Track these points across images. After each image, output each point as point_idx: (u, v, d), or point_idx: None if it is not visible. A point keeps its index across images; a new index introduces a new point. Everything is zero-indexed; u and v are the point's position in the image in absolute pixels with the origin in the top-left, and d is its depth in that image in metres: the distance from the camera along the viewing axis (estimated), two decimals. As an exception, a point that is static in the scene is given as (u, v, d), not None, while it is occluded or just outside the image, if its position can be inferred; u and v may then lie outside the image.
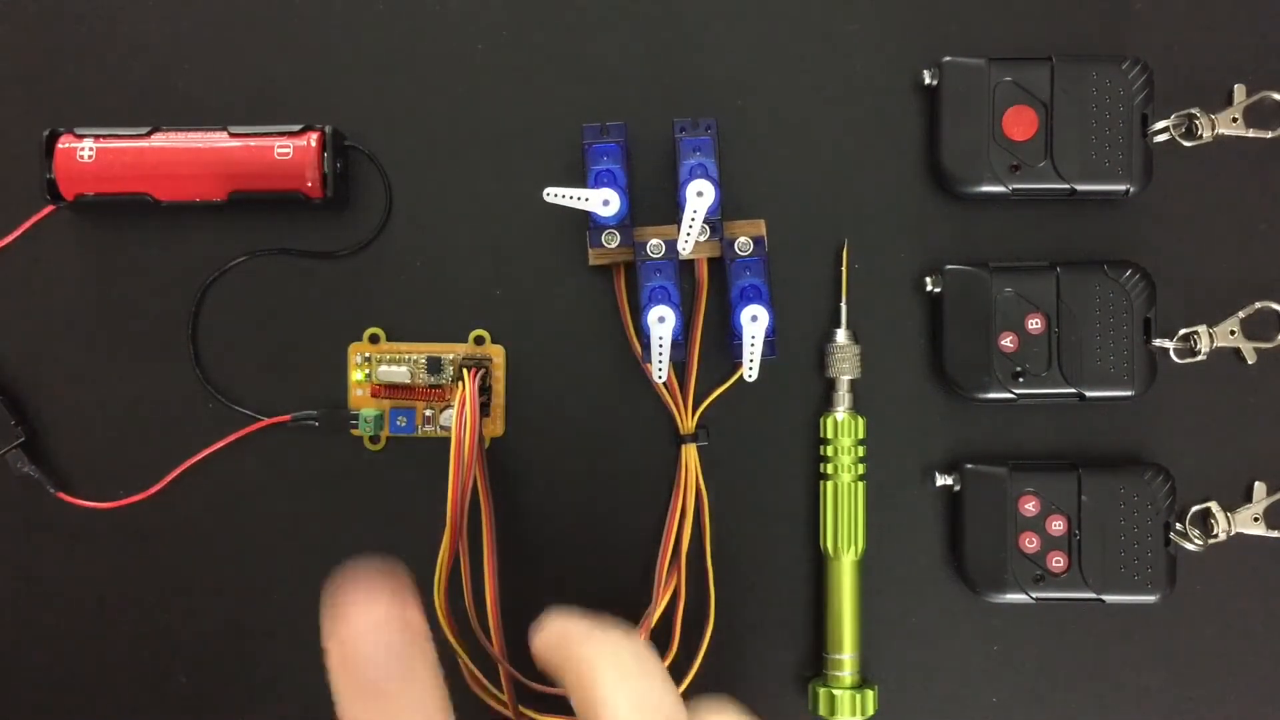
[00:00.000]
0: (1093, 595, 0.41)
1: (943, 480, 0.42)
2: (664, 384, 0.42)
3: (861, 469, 0.42)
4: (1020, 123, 0.41)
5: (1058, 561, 0.41)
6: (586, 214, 0.40)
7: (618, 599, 0.43)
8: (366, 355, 0.43)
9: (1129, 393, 0.41)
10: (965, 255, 0.42)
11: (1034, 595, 0.41)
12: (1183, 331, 0.42)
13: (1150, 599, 0.41)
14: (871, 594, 0.42)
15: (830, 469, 0.42)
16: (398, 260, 0.43)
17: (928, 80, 0.42)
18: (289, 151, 0.41)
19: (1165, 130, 0.42)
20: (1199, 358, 0.42)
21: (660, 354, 0.39)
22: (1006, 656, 0.43)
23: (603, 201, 0.39)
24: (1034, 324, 0.41)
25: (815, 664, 0.43)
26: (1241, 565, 0.43)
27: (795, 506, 0.43)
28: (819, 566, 0.42)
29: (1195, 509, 0.42)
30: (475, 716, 0.42)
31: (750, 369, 0.40)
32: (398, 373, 0.42)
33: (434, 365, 0.42)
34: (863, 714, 0.41)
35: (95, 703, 0.43)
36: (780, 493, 0.43)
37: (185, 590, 0.43)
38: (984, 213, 0.43)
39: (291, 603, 0.43)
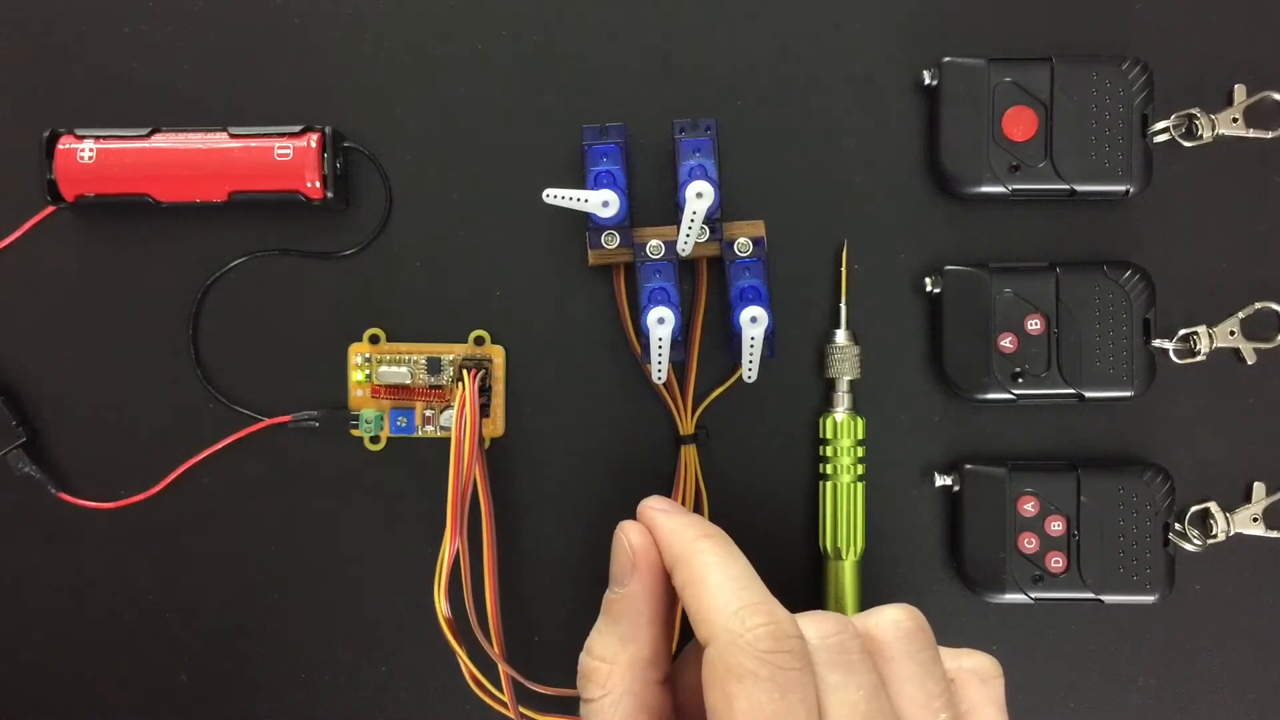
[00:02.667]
0: (1091, 596, 0.41)
1: (942, 480, 0.42)
2: (664, 384, 0.42)
3: (861, 469, 0.42)
4: (1020, 123, 0.41)
5: (1056, 562, 0.41)
6: (586, 214, 0.40)
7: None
8: (367, 356, 0.43)
9: (1128, 393, 0.41)
10: (965, 256, 0.42)
11: (1033, 595, 0.41)
12: (1182, 332, 0.42)
13: (1149, 599, 0.41)
14: (871, 594, 0.42)
15: (830, 469, 0.42)
16: (398, 260, 0.43)
17: (928, 80, 0.42)
18: (289, 152, 0.41)
19: (1165, 130, 0.42)
20: (1198, 358, 0.42)
21: (660, 355, 0.39)
22: (1005, 656, 0.42)
23: (602, 202, 0.39)
24: (1033, 324, 0.41)
25: (815, 664, 0.43)
26: (1241, 565, 0.43)
27: (795, 507, 0.43)
28: (819, 566, 0.43)
29: (1194, 509, 0.42)
30: (475, 716, 0.43)
31: (750, 370, 0.40)
32: (398, 373, 0.42)
33: (434, 366, 0.42)
34: (862, 714, 0.41)
35: (96, 702, 0.43)
36: (780, 493, 0.43)
37: (185, 590, 0.43)
38: (984, 213, 0.43)
39: (291, 603, 0.43)
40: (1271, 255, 0.43)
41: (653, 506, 0.34)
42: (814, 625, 0.30)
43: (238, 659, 0.43)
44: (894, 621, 0.31)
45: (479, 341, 0.43)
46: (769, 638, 0.28)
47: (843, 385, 0.42)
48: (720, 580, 0.30)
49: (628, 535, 0.33)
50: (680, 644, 0.35)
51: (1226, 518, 0.42)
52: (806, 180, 0.43)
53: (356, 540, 0.43)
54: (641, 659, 0.32)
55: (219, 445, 0.43)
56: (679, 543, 0.32)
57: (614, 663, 0.32)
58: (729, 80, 0.43)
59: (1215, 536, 0.42)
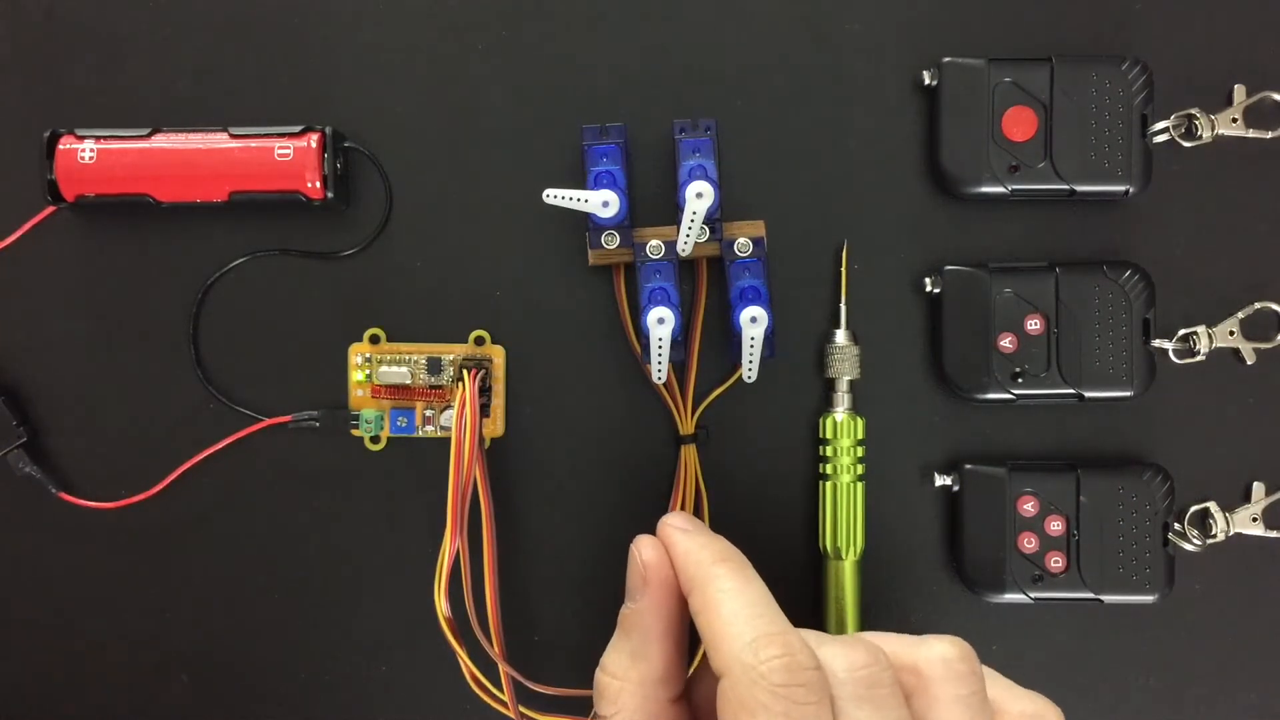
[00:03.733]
0: (1091, 595, 0.41)
1: (942, 480, 0.42)
2: (663, 384, 0.42)
3: (861, 469, 0.42)
4: (1020, 123, 0.41)
5: (1056, 562, 0.41)
6: (586, 214, 0.40)
7: (618, 599, 0.43)
8: (367, 356, 0.43)
9: (1128, 393, 0.41)
10: (965, 256, 0.42)
11: (1032, 595, 0.41)
12: (1182, 332, 0.42)
13: (1148, 599, 0.41)
14: (871, 594, 0.42)
15: (830, 469, 0.42)
16: (398, 260, 0.43)
17: (928, 80, 0.42)
18: (289, 152, 0.41)
19: (1165, 130, 0.42)
20: (1198, 358, 0.42)
21: (660, 355, 0.39)
22: (1005, 656, 0.43)
23: (602, 203, 0.39)
24: (1033, 324, 0.41)
25: (814, 663, 0.43)
26: (1240, 565, 0.43)
27: (795, 506, 0.43)
28: (819, 566, 0.43)
29: (1194, 509, 0.42)
30: (475, 716, 0.43)
31: (749, 370, 0.40)
32: (398, 373, 0.42)
33: (434, 366, 0.42)
34: (862, 713, 0.41)
35: (96, 702, 0.44)
36: (780, 493, 0.43)
37: (186, 590, 0.43)
38: (983, 213, 0.43)
39: (291, 603, 0.43)
40: (1271, 255, 0.43)
41: (671, 524, 0.33)
42: (843, 656, 0.29)
43: (238, 659, 0.43)
44: (944, 660, 0.30)
45: (479, 341, 0.43)
46: (783, 670, 0.27)
47: (843, 385, 0.42)
48: (735, 609, 0.29)
49: (640, 551, 0.33)
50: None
51: (1226, 518, 0.42)
52: (806, 180, 0.43)
53: (356, 540, 0.43)
54: (653, 677, 0.32)
55: (219, 445, 0.43)
56: (694, 565, 0.31)
57: (625, 679, 0.32)
58: (729, 80, 0.43)
59: (1215, 536, 0.42)
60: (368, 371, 0.43)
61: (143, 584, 0.43)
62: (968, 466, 0.42)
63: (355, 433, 0.43)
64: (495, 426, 0.43)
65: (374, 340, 0.43)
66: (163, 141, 0.41)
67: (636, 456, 0.43)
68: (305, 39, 0.43)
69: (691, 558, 0.32)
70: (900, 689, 0.29)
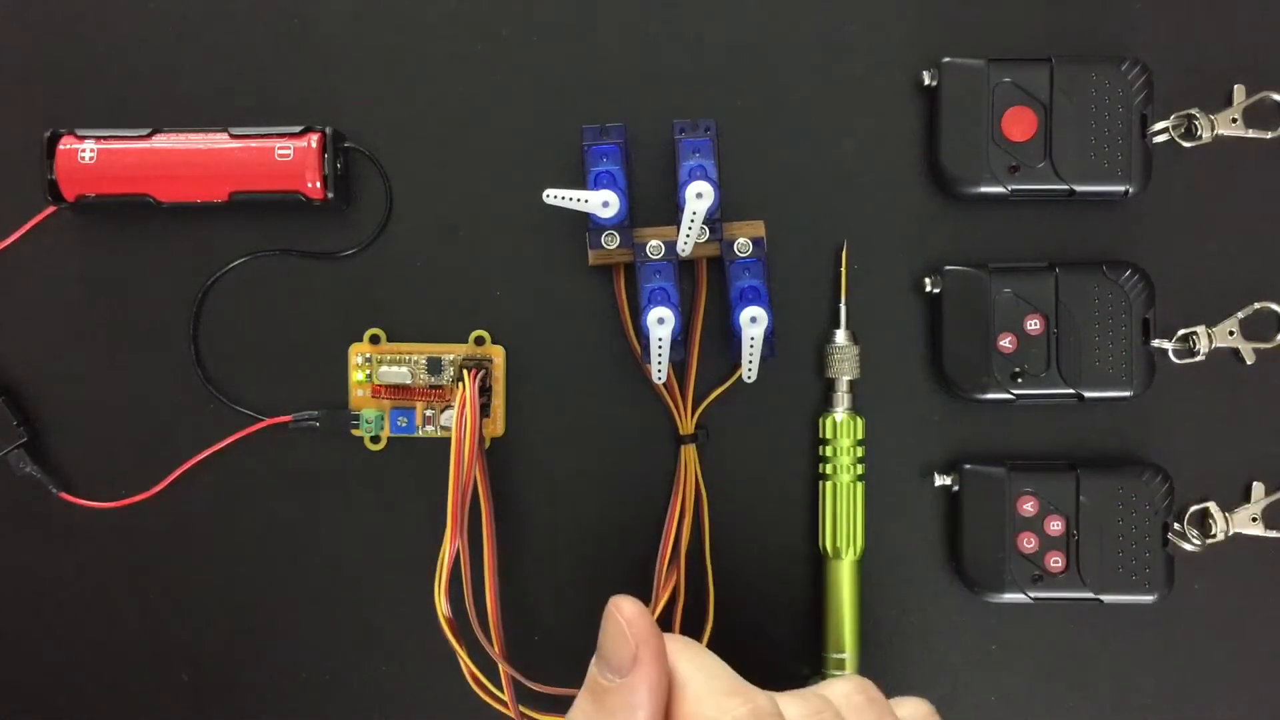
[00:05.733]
0: (1090, 595, 0.41)
1: (941, 480, 0.42)
2: (663, 384, 0.42)
3: (861, 469, 0.42)
4: (1019, 123, 0.41)
5: (1056, 562, 0.41)
6: (586, 214, 0.40)
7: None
8: (367, 356, 0.43)
9: (1127, 393, 0.41)
10: (964, 256, 0.42)
11: (1032, 595, 0.41)
12: (1181, 332, 0.42)
13: (1148, 599, 0.41)
14: (870, 594, 0.42)
15: (829, 469, 0.42)
16: (398, 260, 0.43)
17: (927, 81, 0.42)
18: (289, 153, 0.41)
19: (1165, 131, 0.42)
20: (1198, 358, 0.42)
21: (660, 355, 0.39)
22: (1005, 656, 0.43)
23: (602, 203, 0.39)
24: (1033, 325, 0.41)
25: (814, 663, 0.43)
26: (1239, 565, 0.43)
27: (795, 506, 0.43)
28: (818, 566, 0.43)
29: (1193, 509, 0.42)
30: (475, 716, 0.43)
31: (749, 370, 0.40)
32: (398, 373, 0.42)
33: (434, 366, 0.42)
34: (861, 713, 0.41)
35: (97, 701, 0.44)
36: (780, 493, 0.43)
37: (186, 590, 0.43)
38: (983, 213, 0.43)
39: (291, 602, 0.43)
40: (1271, 255, 0.43)
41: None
42: (795, 705, 0.29)
43: (238, 659, 0.43)
44: (845, 694, 0.30)
45: (479, 341, 0.43)
46: (750, 717, 0.27)
47: (843, 385, 0.42)
48: (689, 671, 0.29)
49: (626, 615, 0.29)
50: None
51: (1225, 517, 0.42)
52: (806, 180, 0.43)
53: (356, 540, 0.43)
54: None
55: (219, 445, 0.43)
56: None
57: None
58: (729, 80, 0.43)
59: (1214, 536, 0.42)
60: (368, 371, 0.43)
61: (143, 584, 0.43)
62: (967, 466, 0.42)
63: (355, 433, 0.43)
64: (495, 426, 0.43)
65: (374, 340, 0.43)
66: (163, 141, 0.41)
67: (636, 456, 0.43)
68: (305, 39, 0.43)
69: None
70: None
